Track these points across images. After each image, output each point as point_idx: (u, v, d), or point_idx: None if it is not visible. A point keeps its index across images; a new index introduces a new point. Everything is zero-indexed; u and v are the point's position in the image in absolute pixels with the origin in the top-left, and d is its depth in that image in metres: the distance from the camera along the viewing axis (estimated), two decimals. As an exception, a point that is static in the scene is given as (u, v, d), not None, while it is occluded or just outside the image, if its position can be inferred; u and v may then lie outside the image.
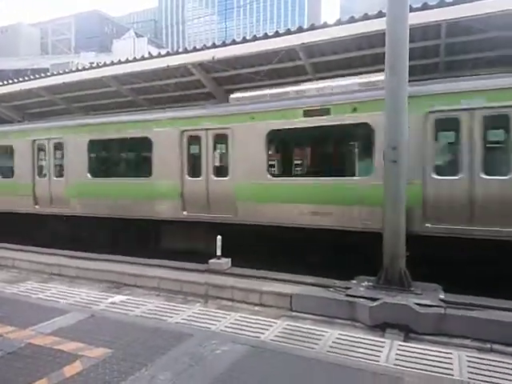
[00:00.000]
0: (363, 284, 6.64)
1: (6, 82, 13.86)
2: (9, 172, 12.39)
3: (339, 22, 9.06)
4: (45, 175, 11.71)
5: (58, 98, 13.86)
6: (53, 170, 11.57)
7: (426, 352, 3.79)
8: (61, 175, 11.44)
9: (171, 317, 4.86)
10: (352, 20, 8.83)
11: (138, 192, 10.11)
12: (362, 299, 6.04)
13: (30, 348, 3.86)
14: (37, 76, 13.41)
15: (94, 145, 10.91)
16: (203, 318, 4.82)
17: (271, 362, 3.39)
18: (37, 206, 11.74)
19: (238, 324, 4.57)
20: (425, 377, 3.12)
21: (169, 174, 9.66)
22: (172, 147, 9.59)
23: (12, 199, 12.11)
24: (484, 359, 3.65)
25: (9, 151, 12.32)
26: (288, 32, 9.61)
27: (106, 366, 3.44)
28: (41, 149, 11.88)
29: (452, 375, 3.32)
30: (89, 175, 10.84)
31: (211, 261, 8.02)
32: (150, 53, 11.70)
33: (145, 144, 10.05)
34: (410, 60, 6.56)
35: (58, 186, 11.40)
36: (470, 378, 3.25)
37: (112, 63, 11.73)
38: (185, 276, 7.70)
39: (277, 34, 9.73)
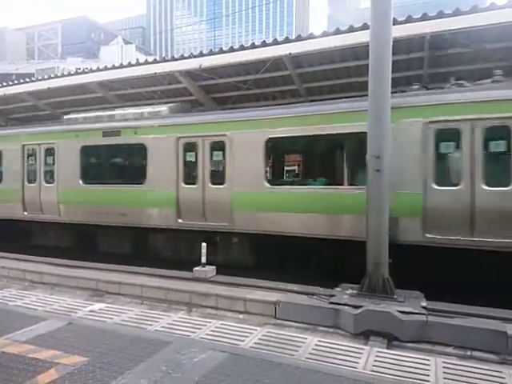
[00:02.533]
0: (347, 292, 6.67)
1: (-11, 86, 13.66)
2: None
3: (325, 34, 9.22)
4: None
5: (43, 103, 13.72)
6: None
7: (404, 359, 3.81)
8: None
9: (151, 325, 4.80)
10: (337, 32, 9.00)
11: None
12: (345, 307, 6.06)
13: (3, 357, 3.75)
14: (21, 81, 13.26)
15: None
16: (184, 326, 4.77)
17: (249, 368, 3.37)
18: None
19: (219, 332, 4.54)
20: (400, 383, 3.15)
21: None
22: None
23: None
24: (460, 365, 3.70)
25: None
26: (275, 42, 9.72)
27: (81, 373, 3.38)
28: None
29: (428, 381, 3.35)
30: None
31: (196, 269, 7.97)
32: (137, 59, 11.70)
33: None
34: (394, 72, 6.70)
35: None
36: (446, 385, 3.29)
37: (98, 69, 11.70)
38: (169, 284, 7.61)
39: (264, 44, 9.84)
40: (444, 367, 3.61)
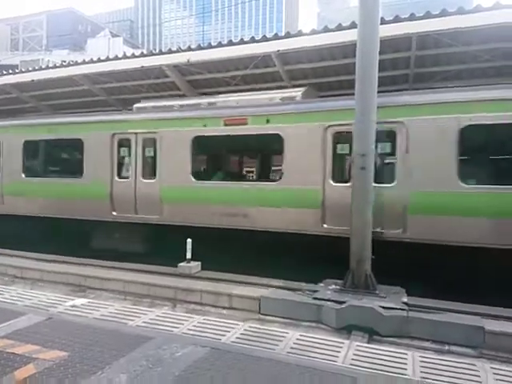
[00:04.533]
0: (330, 287, 6.75)
1: (-29, 77, 13.29)
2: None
3: (314, 32, 9.22)
4: None
5: (27, 95, 13.44)
6: None
7: (383, 352, 3.88)
8: None
9: (133, 320, 4.76)
10: (326, 29, 9.02)
11: None
12: (328, 302, 6.14)
13: (-20, 352, 3.68)
14: (5, 72, 12.96)
15: None
16: (166, 321, 4.75)
17: (230, 363, 3.39)
18: None
19: (202, 327, 4.53)
20: (378, 376, 3.21)
21: None
22: None
23: None
24: (436, 359, 3.79)
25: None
26: (264, 39, 9.70)
27: (60, 368, 3.34)
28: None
29: (406, 375, 3.43)
30: None
31: (180, 264, 7.95)
32: (124, 53, 11.53)
33: None
34: (381, 71, 6.77)
35: None
36: (422, 378, 3.37)
37: (84, 62, 11.50)
38: (152, 279, 7.58)
39: (253, 40, 9.80)
40: (421, 361, 3.69)
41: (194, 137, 8.93)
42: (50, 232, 10.20)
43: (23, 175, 10.90)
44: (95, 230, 10.16)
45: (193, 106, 9.58)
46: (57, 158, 11.69)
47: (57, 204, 10.33)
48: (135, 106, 10.30)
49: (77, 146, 10.16)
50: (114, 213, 9.65)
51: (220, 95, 10.14)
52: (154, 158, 9.48)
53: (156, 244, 9.41)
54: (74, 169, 10.40)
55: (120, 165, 9.85)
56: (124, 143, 9.77)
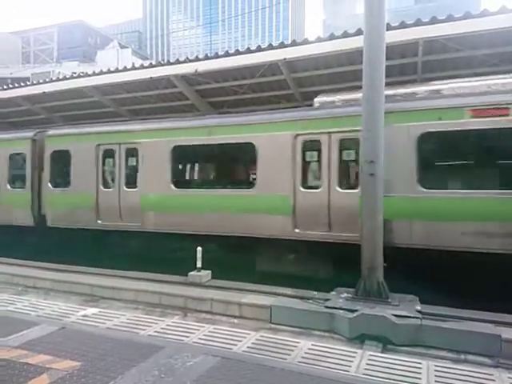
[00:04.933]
0: (342, 296, 6.67)
1: (-16, 91, 13.61)
2: None
3: (319, 39, 9.29)
4: None
5: (39, 107, 13.70)
6: None
7: (396, 362, 3.82)
8: None
9: (144, 329, 4.77)
10: (332, 37, 9.08)
11: None
12: (340, 311, 6.05)
13: (-5, 362, 3.72)
14: (17, 85, 13.25)
15: None
16: (177, 331, 4.75)
17: (242, 373, 3.37)
18: None
19: (213, 336, 4.52)
20: (392, 386, 3.17)
21: None
22: None
23: None
24: (452, 368, 3.72)
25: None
26: (270, 47, 9.79)
27: (73, 378, 3.36)
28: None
29: (420, 384, 3.38)
30: None
31: (191, 273, 7.94)
32: (133, 64, 11.72)
33: None
34: (388, 76, 6.76)
35: None
36: (437, 388, 3.31)
37: (94, 73, 11.71)
38: (163, 288, 7.58)
39: (259, 49, 9.91)
40: (436, 370, 3.63)
41: (421, 134, 7.09)
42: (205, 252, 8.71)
43: (173, 187, 9.33)
44: (265, 249, 8.56)
45: (408, 96, 7.72)
46: (219, 166, 9.92)
47: (217, 219, 8.90)
48: (317, 99, 8.68)
49: (247, 151, 8.68)
50: (297, 230, 8.14)
51: (448, 80, 8.09)
52: (354, 162, 7.80)
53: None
54: (242, 178, 9.32)
55: (305, 173, 8.27)
56: (310, 146, 8.15)
